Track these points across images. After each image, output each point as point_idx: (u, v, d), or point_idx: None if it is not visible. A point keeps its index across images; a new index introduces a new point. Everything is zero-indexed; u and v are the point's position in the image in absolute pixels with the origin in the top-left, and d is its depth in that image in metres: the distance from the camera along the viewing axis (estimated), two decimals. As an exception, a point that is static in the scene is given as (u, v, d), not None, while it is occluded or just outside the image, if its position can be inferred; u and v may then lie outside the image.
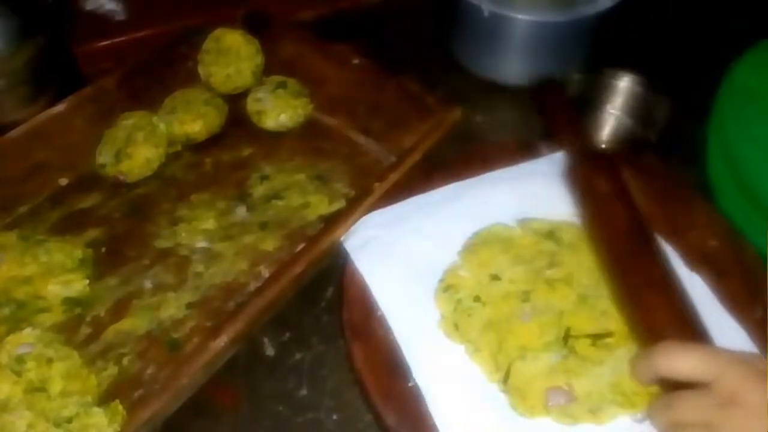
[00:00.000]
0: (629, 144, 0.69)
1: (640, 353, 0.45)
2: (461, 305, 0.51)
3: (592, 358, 0.48)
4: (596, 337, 0.48)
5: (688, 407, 0.40)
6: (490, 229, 0.55)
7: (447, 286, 0.52)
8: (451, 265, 0.53)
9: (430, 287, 0.52)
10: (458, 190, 0.58)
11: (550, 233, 0.55)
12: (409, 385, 0.48)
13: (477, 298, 0.51)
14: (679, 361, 0.41)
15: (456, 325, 0.50)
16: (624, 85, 0.69)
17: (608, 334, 0.49)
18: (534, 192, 0.58)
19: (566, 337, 0.49)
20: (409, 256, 0.54)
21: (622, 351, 0.48)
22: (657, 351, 0.42)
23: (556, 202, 0.56)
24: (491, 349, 0.49)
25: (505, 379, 0.47)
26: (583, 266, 0.52)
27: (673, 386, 0.42)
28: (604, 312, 0.50)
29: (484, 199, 0.57)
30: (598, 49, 0.75)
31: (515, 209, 0.56)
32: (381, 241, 0.55)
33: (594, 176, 0.53)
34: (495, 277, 0.52)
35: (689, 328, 0.44)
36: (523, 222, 0.56)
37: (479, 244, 0.54)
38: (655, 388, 0.45)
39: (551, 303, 0.50)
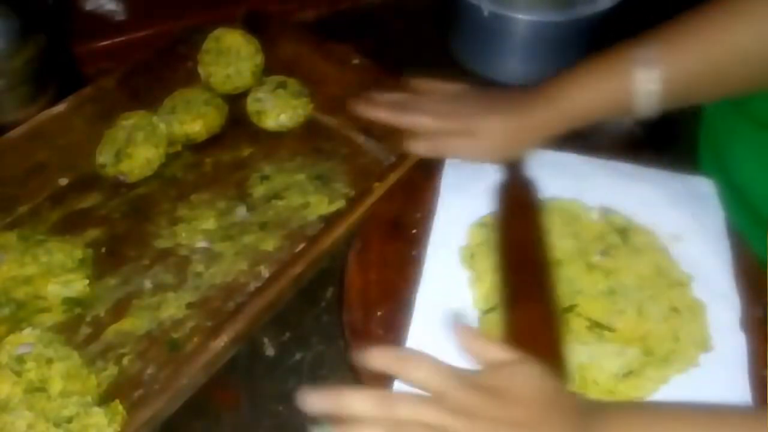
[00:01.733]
0: (625, 143, 0.69)
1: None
2: (487, 242, 0.53)
3: (578, 335, 0.48)
4: (596, 324, 0.49)
5: (417, 410, 0.40)
6: (568, 201, 0.57)
7: (485, 223, 0.55)
8: None
9: (475, 217, 0.56)
10: (579, 163, 0.61)
11: (623, 230, 0.55)
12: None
13: None
14: (415, 368, 0.42)
15: (473, 255, 0.53)
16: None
17: (609, 328, 0.49)
18: (639, 193, 0.58)
19: (568, 309, 0.49)
20: (487, 185, 0.58)
21: (611, 347, 0.48)
22: (392, 354, 0.44)
23: (653, 210, 0.56)
24: (491, 284, 0.51)
25: (487, 311, 0.49)
26: (633, 270, 0.52)
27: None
28: (622, 312, 0.50)
29: (589, 179, 0.59)
30: (598, 49, 0.75)
31: (607, 198, 0.57)
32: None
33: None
34: None
35: (549, 340, 0.47)
36: (605, 210, 0.56)
37: (548, 208, 0.56)
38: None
39: (576, 280, 0.51)
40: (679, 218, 0.56)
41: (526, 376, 0.41)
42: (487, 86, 0.63)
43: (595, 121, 0.56)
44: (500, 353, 0.43)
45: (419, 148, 0.60)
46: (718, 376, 0.47)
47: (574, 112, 0.56)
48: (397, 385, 0.45)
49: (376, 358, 0.43)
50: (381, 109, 0.62)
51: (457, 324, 0.45)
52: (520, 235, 0.53)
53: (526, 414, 0.39)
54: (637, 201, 0.57)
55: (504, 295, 0.50)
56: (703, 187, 0.59)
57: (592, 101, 0.55)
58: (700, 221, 0.56)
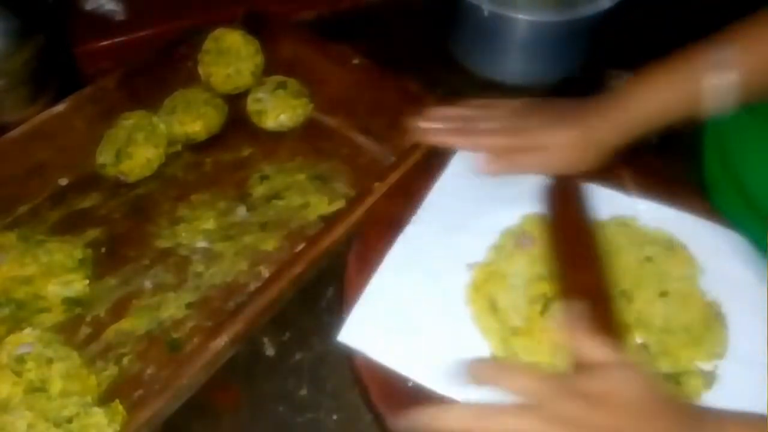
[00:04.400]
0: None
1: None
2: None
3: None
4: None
5: (515, 420, 0.39)
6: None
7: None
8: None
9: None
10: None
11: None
12: (409, 385, 0.48)
13: None
14: (514, 377, 0.41)
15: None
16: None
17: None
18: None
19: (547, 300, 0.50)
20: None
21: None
22: (494, 366, 0.43)
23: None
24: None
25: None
26: (622, 267, 0.52)
27: None
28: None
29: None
30: (598, 49, 0.75)
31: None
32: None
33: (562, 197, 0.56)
34: None
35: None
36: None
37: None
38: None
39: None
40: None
41: (625, 380, 0.39)
42: (547, 98, 0.61)
43: (667, 124, 0.55)
44: (599, 351, 0.41)
45: (491, 169, 0.58)
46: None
47: (646, 116, 0.54)
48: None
49: (475, 371, 0.42)
50: (442, 134, 0.60)
51: (572, 317, 0.44)
52: (572, 230, 0.52)
53: (629, 421, 0.38)
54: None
55: (562, 288, 0.49)
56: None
57: (664, 105, 0.54)
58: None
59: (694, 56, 0.53)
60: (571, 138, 0.55)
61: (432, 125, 0.60)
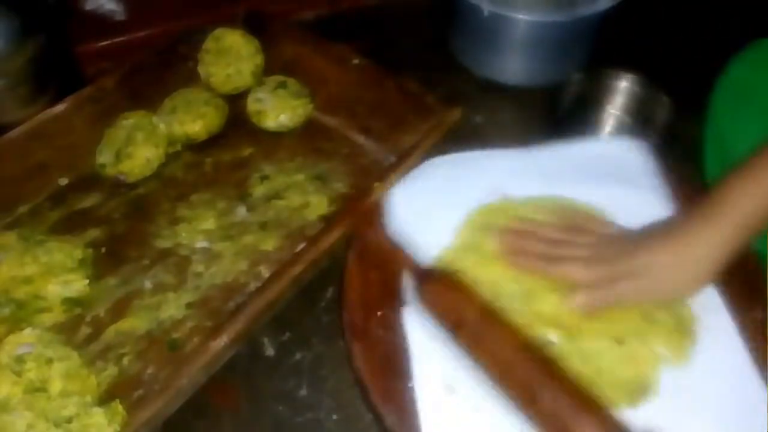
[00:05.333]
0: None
1: None
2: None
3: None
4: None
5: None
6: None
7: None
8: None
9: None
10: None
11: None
12: (409, 385, 0.48)
13: None
14: None
15: None
16: (624, 85, 0.69)
17: None
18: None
19: None
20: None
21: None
22: None
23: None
24: None
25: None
26: None
27: None
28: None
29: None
30: (598, 49, 0.75)
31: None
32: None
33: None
34: None
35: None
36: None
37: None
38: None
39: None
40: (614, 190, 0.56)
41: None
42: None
43: None
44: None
45: (582, 301, 0.50)
46: (710, 365, 0.47)
47: (750, 221, 0.47)
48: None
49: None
50: (527, 257, 0.53)
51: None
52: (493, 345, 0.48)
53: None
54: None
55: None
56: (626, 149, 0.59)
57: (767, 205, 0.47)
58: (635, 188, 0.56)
59: None
60: (670, 258, 0.48)
61: (521, 247, 0.53)
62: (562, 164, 0.59)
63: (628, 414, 0.45)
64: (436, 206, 0.56)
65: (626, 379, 0.47)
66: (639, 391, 0.46)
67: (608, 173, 0.58)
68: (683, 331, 0.49)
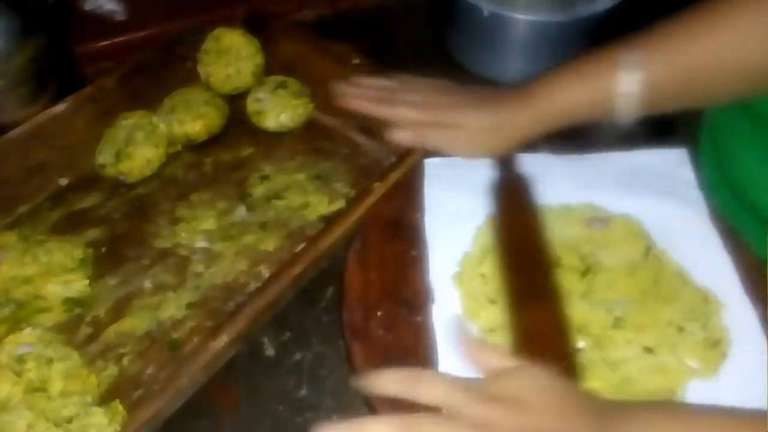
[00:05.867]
0: (623, 141, 0.69)
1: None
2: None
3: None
4: None
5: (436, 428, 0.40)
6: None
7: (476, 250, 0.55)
8: None
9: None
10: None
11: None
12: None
13: None
14: (430, 388, 0.42)
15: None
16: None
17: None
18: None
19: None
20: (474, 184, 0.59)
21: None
22: (404, 376, 0.43)
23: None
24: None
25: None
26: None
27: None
28: None
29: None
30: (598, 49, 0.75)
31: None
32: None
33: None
34: None
35: (559, 341, 0.46)
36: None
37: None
38: None
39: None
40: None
41: (535, 380, 0.41)
42: (475, 84, 0.63)
43: (576, 122, 0.57)
44: (504, 362, 0.43)
45: (401, 138, 0.60)
46: (738, 381, 0.47)
47: (554, 112, 0.56)
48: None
49: (384, 383, 0.43)
50: (363, 100, 0.63)
51: (462, 334, 0.46)
52: (520, 235, 0.53)
53: (544, 419, 0.39)
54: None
55: (509, 298, 0.49)
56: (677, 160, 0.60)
57: (572, 102, 0.55)
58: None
59: (606, 56, 0.54)
60: (482, 121, 0.58)
61: (356, 91, 0.63)
62: (596, 172, 0.60)
63: None
64: (460, 210, 0.57)
65: (653, 389, 0.47)
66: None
67: (647, 183, 0.58)
68: (714, 344, 0.48)
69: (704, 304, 0.51)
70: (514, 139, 0.58)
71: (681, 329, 0.49)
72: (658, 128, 0.64)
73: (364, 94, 0.63)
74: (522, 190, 0.56)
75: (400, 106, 0.61)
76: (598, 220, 0.56)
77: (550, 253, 0.52)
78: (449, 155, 0.60)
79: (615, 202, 0.57)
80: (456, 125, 0.58)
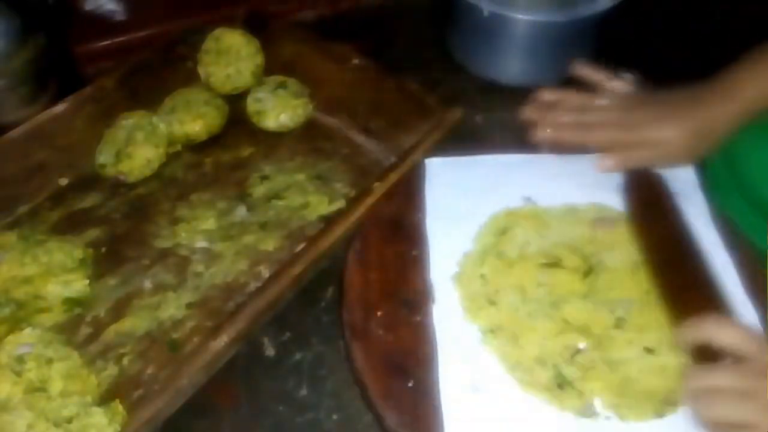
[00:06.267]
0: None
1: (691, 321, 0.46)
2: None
3: None
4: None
5: (726, 374, 0.43)
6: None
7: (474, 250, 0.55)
8: None
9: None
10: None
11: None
12: (409, 385, 0.48)
13: None
14: (728, 331, 0.44)
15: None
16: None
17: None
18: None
19: None
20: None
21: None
22: (708, 320, 0.45)
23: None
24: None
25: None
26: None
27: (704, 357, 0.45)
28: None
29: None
30: (598, 49, 0.75)
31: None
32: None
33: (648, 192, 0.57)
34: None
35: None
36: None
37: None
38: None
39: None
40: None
41: None
42: (655, 90, 0.62)
43: None
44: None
45: (608, 165, 0.59)
46: None
47: (755, 101, 0.55)
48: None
49: (696, 330, 0.45)
50: (557, 129, 0.61)
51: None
52: (664, 233, 0.53)
53: None
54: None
55: (667, 294, 0.50)
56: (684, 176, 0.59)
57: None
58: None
59: None
60: (681, 132, 0.56)
61: (548, 120, 0.61)
62: (596, 173, 0.59)
63: (654, 424, 0.45)
64: (461, 210, 0.57)
65: (654, 389, 0.47)
66: (667, 401, 0.46)
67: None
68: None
69: None
70: (717, 139, 0.57)
71: None
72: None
73: (557, 123, 0.61)
74: (657, 187, 0.57)
75: (598, 130, 0.60)
76: (605, 220, 0.56)
77: (695, 247, 0.52)
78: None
79: (621, 201, 0.57)
80: (658, 141, 0.57)
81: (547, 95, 0.63)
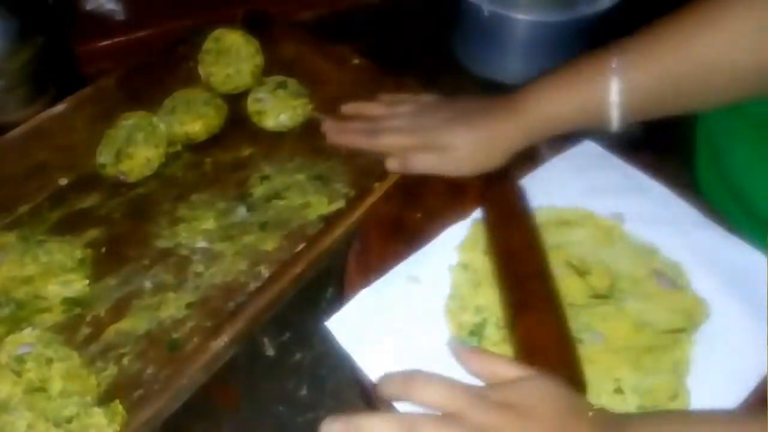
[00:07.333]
0: (624, 142, 0.69)
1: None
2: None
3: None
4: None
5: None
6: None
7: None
8: None
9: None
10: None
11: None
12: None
13: None
14: (433, 389, 0.40)
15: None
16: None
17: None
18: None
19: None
20: None
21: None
22: (415, 377, 0.41)
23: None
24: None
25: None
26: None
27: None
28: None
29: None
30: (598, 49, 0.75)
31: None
32: None
33: (498, 199, 0.55)
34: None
35: (562, 350, 0.45)
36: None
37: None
38: None
39: None
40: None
41: (541, 389, 0.39)
42: (455, 96, 0.62)
43: (567, 130, 0.56)
44: (511, 369, 0.42)
45: (392, 166, 0.60)
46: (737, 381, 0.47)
47: (544, 122, 0.55)
48: (402, 407, 0.43)
49: (384, 386, 0.42)
50: (351, 136, 0.63)
51: (459, 348, 0.45)
52: (515, 244, 0.51)
53: (546, 428, 0.38)
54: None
55: (508, 308, 0.48)
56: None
57: (562, 112, 0.54)
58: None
59: (595, 64, 0.53)
60: (467, 138, 0.57)
61: (342, 126, 0.64)
62: (595, 176, 0.58)
63: None
64: None
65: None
66: None
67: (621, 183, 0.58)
68: (678, 377, 0.47)
69: (699, 305, 0.50)
70: (505, 153, 0.57)
71: (641, 365, 0.48)
72: (658, 130, 0.65)
73: (350, 128, 0.63)
74: (513, 198, 0.55)
75: (386, 135, 0.60)
76: (667, 278, 0.51)
77: (545, 261, 0.51)
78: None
79: (594, 204, 0.56)
80: (444, 146, 0.57)
81: (344, 108, 0.66)
